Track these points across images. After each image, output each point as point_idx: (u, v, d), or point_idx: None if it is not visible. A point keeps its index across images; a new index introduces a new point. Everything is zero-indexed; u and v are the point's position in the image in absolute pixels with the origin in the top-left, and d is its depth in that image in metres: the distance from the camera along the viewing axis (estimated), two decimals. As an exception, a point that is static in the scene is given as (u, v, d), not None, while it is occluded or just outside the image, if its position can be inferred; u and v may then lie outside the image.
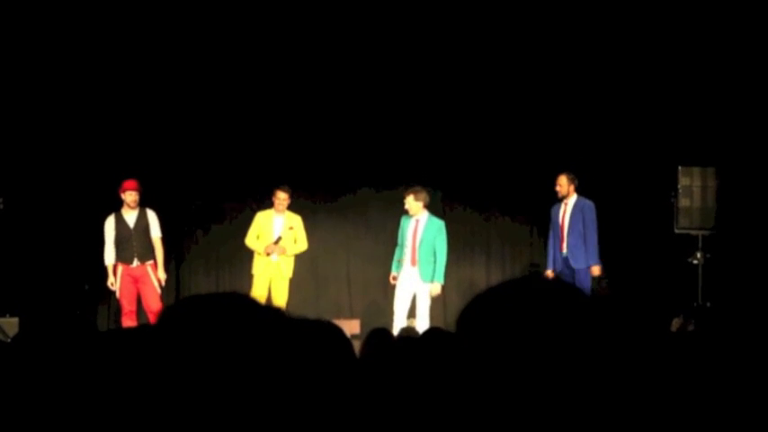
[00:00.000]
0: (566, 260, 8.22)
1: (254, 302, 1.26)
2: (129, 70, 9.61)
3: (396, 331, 7.18)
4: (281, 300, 8.45)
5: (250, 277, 8.67)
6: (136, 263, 8.19)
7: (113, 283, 8.21)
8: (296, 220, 8.61)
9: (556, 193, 8.33)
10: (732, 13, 9.06)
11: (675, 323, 6.69)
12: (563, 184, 8.27)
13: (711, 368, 2.08)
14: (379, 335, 3.75)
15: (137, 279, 8.18)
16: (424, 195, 8.24)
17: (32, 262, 9.20)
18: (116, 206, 8.60)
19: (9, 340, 6.84)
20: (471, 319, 1.25)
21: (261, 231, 8.52)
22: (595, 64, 9.70)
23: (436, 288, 8.22)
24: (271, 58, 9.85)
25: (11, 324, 7.91)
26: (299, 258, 8.97)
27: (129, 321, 7.87)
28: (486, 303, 1.26)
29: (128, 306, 8.13)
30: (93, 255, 9.35)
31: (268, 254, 8.44)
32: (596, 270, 8.15)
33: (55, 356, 1.99)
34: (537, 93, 9.92)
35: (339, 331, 2.03)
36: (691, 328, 7.66)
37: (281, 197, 8.42)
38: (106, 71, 9.56)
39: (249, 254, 8.74)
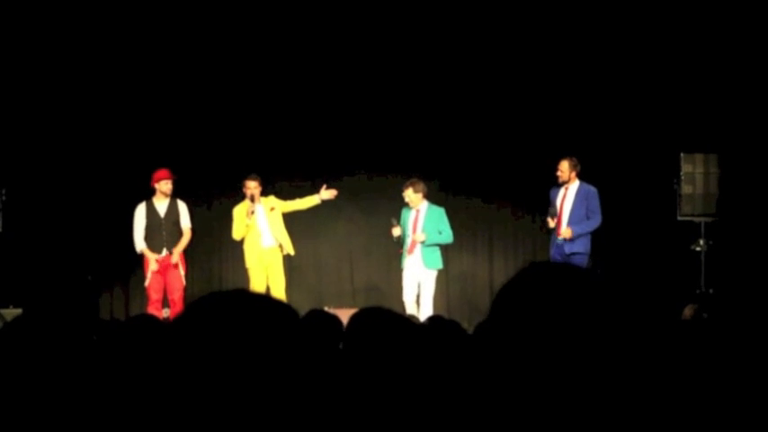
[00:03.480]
0: (560, 246, 8.15)
1: (263, 299, 1.27)
2: (129, 63, 9.61)
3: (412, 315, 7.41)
4: (279, 286, 8.47)
5: (245, 271, 8.63)
6: (165, 252, 8.30)
7: (157, 259, 8.25)
8: (273, 201, 8.61)
9: (556, 177, 8.30)
10: (733, 1, 9.05)
11: (688, 311, 6.67)
12: (564, 169, 8.22)
13: (731, 355, 2.08)
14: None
15: (165, 268, 8.29)
16: (422, 186, 8.40)
17: (36, 253, 9.22)
18: (120, 196, 8.66)
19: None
20: (502, 312, 1.27)
21: (243, 221, 8.48)
22: (597, 50, 9.67)
23: (420, 236, 8.30)
24: (270, 49, 9.84)
25: (14, 315, 7.92)
26: (301, 248, 8.99)
27: (154, 311, 7.97)
28: (515, 294, 1.27)
29: (154, 295, 8.27)
30: (97, 246, 9.40)
31: (251, 212, 8.35)
32: (567, 232, 8.03)
33: (51, 346, 1.99)
34: (539, 80, 9.89)
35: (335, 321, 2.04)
36: (705, 316, 7.66)
37: (251, 186, 8.40)
38: (105, 64, 9.56)
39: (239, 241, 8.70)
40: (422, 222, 8.37)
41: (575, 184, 8.24)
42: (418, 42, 9.84)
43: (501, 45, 9.84)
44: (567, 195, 8.23)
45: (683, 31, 9.32)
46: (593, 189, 8.23)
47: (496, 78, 9.97)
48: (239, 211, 8.51)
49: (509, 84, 9.98)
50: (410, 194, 8.33)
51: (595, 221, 8.16)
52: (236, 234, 8.55)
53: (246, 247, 8.54)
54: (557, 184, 8.32)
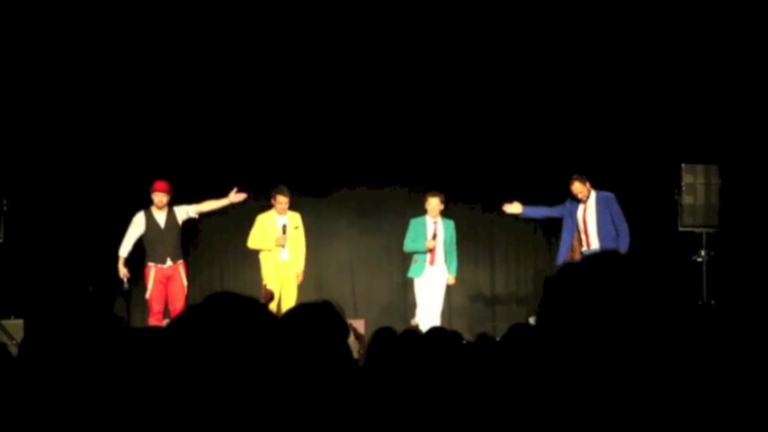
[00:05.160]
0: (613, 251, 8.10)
1: (248, 302, 1.29)
2: (130, 73, 9.63)
3: (423, 328, 7.53)
4: (291, 299, 8.46)
5: (259, 281, 8.61)
6: (169, 263, 8.29)
7: (125, 275, 8.29)
8: (298, 219, 8.62)
9: (574, 196, 8.28)
10: (735, 11, 9.06)
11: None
12: (580, 187, 8.22)
13: (731, 366, 2.09)
14: (383, 334, 3.75)
15: (168, 278, 8.27)
16: (443, 198, 8.58)
17: (37, 264, 9.21)
18: (121, 206, 8.66)
19: (14, 342, 6.89)
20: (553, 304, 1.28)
21: (265, 232, 8.50)
22: (599, 62, 9.69)
23: (452, 279, 8.64)
24: (275, 58, 9.86)
25: (16, 326, 7.92)
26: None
27: (155, 322, 7.92)
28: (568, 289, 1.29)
29: (156, 306, 8.24)
30: (98, 256, 9.39)
31: (282, 245, 8.39)
32: None
33: (64, 355, 1.99)
34: (541, 91, 9.92)
35: (334, 313, 2.05)
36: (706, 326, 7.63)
37: (283, 201, 8.42)
38: (107, 75, 9.57)
39: (252, 250, 8.71)
40: (442, 235, 8.56)
41: (592, 195, 8.27)
42: (424, 55, 9.86)
43: (503, 56, 9.86)
44: (588, 207, 8.26)
45: (684, 43, 9.34)
46: (611, 195, 8.27)
47: (498, 89, 10.00)
48: (263, 220, 8.48)
49: (510, 93, 10.00)
50: (438, 203, 8.49)
51: (624, 227, 8.18)
52: (254, 244, 8.51)
53: (264, 258, 8.52)
54: (572, 197, 8.30)
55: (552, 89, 9.88)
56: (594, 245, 8.21)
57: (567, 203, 8.40)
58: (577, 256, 8.29)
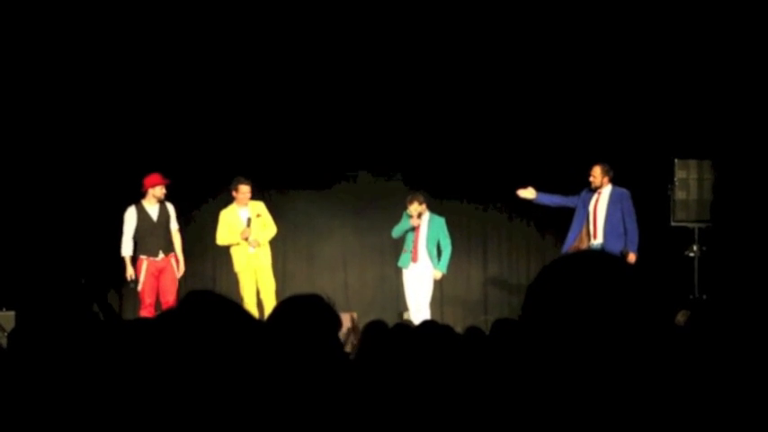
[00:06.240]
0: (599, 249, 8.15)
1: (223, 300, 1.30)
2: (119, 67, 9.59)
3: (415, 321, 7.60)
4: (269, 289, 8.47)
5: (235, 275, 8.60)
6: (161, 255, 8.28)
7: (132, 275, 8.27)
8: (260, 207, 8.61)
9: (589, 183, 8.31)
10: (729, 7, 9.07)
11: (681, 317, 6.69)
12: (597, 174, 8.27)
13: (724, 361, 2.09)
14: (375, 327, 3.75)
15: (160, 271, 8.27)
16: (423, 197, 8.59)
17: (29, 256, 9.19)
18: (113, 198, 8.63)
19: (5, 334, 6.87)
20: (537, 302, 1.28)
21: (230, 227, 8.50)
22: (592, 58, 9.69)
23: (438, 275, 8.64)
24: (270, 55, 9.84)
25: (7, 318, 7.90)
26: (294, 251, 8.97)
27: (147, 315, 7.89)
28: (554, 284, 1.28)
29: (148, 299, 8.23)
30: (89, 248, 9.38)
31: (246, 238, 8.39)
32: (632, 258, 8.01)
33: (53, 349, 1.99)
34: (534, 86, 9.91)
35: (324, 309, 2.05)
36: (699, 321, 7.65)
37: (245, 191, 8.41)
38: (97, 69, 9.54)
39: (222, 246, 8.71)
40: (424, 232, 8.55)
41: (607, 188, 8.29)
42: (417, 48, 9.84)
43: (499, 54, 9.85)
44: (600, 200, 8.28)
45: (677, 38, 9.35)
46: (626, 191, 8.29)
47: (492, 84, 9.99)
48: (226, 216, 8.48)
49: (504, 89, 9.99)
50: (415, 208, 8.49)
51: (633, 225, 8.19)
52: (221, 240, 8.55)
53: (234, 252, 8.54)
54: (589, 188, 8.33)
55: (545, 86, 9.87)
56: (600, 237, 8.22)
57: (583, 193, 8.42)
58: (584, 247, 8.31)
